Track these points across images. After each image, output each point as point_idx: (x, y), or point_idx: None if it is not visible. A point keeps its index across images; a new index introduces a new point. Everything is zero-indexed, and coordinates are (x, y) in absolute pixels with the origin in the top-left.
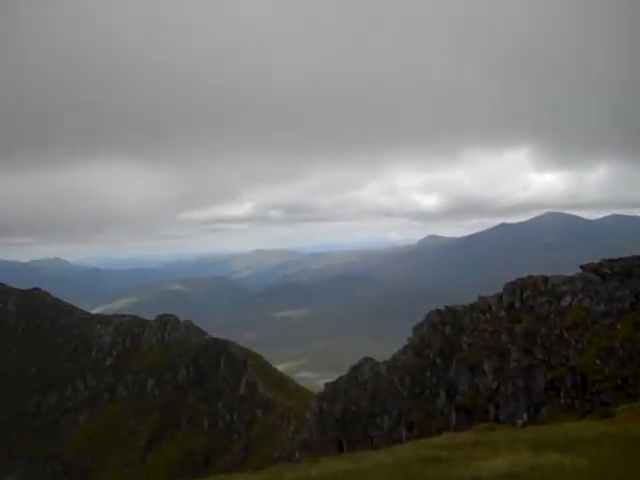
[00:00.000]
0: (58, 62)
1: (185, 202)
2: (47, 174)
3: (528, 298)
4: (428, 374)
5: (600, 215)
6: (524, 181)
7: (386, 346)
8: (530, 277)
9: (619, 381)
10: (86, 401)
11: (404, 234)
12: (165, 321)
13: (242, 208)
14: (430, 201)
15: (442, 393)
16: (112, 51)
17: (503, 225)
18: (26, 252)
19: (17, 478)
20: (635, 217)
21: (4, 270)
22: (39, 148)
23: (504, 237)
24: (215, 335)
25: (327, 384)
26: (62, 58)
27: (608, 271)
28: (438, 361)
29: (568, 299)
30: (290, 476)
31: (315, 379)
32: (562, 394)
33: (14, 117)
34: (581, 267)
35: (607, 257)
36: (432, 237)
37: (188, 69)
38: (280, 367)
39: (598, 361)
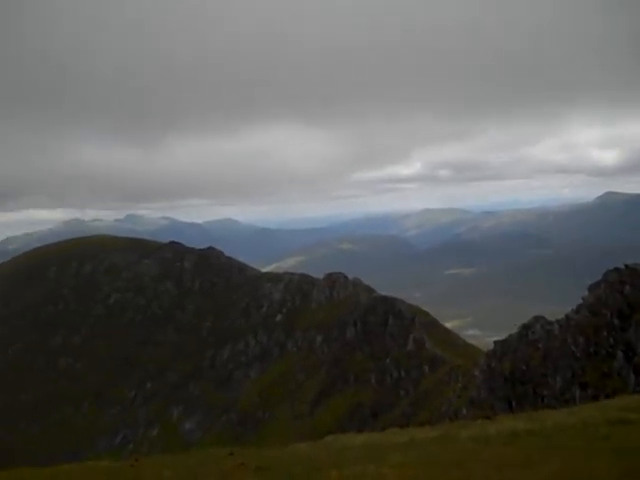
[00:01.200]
0: (249, 41)
1: (358, 163)
2: (226, 141)
3: None
4: (604, 334)
5: None
6: None
7: (557, 305)
8: None
9: None
10: (257, 356)
11: (579, 191)
12: (334, 279)
13: (412, 168)
14: (609, 156)
15: (619, 354)
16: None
17: None
18: (201, 213)
19: (195, 425)
20: None
21: (181, 231)
22: (218, 116)
23: None
24: (383, 293)
25: (496, 342)
26: (247, 38)
27: None
28: (616, 321)
29: None
30: (466, 434)
31: (483, 337)
32: None
33: (205, 88)
34: None
35: None
36: (611, 194)
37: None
38: (447, 325)
39: None
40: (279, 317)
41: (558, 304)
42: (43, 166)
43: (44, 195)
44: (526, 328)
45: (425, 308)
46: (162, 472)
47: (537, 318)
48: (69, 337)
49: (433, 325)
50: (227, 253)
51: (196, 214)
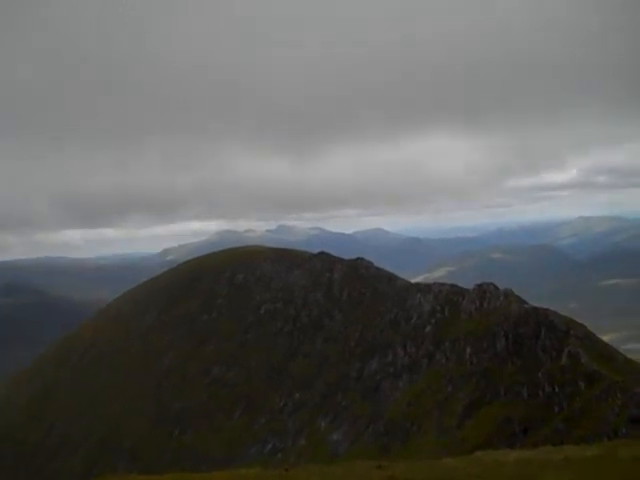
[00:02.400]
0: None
1: (511, 171)
2: (380, 150)
3: None
4: None
5: None
6: None
7: None
8: None
9: None
10: (405, 367)
11: None
12: (484, 289)
13: (567, 174)
14: None
15: None
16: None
17: None
18: (350, 224)
19: (342, 436)
20: None
21: (330, 241)
22: (374, 125)
23: None
24: (535, 304)
25: None
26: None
27: None
28: None
29: None
30: (626, 454)
31: None
32: None
33: (359, 96)
34: None
35: None
36: None
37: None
38: (604, 338)
39: None
40: (428, 328)
41: None
42: (200, 179)
43: (200, 207)
44: None
45: (580, 320)
46: None
47: None
48: (222, 345)
49: (589, 338)
50: (376, 263)
51: (346, 224)
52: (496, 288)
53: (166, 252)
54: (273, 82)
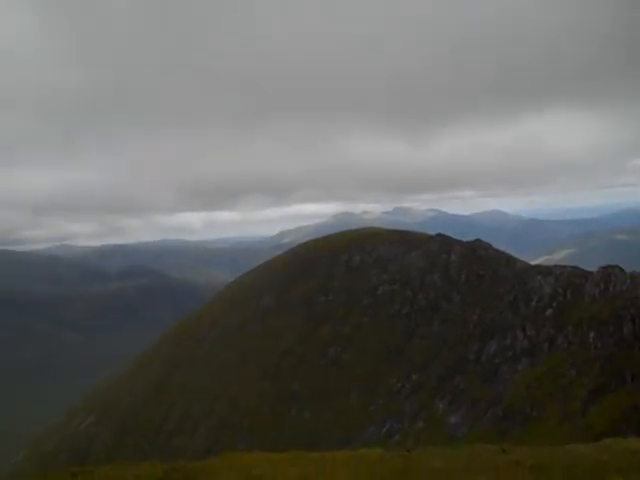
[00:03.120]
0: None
1: (633, 148)
2: (497, 130)
3: None
4: None
5: None
6: None
7: None
8: None
9: None
10: (525, 350)
11: None
12: (609, 272)
13: None
14: None
15: None
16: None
17: None
18: (467, 205)
19: (460, 419)
20: None
21: (447, 222)
22: (490, 105)
23: None
24: None
25: None
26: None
27: None
28: None
29: None
30: None
31: None
32: None
33: (476, 78)
34: None
35: None
36: None
37: None
38: None
39: None
40: (549, 311)
41: None
42: (315, 162)
43: (316, 190)
44: None
45: None
46: (433, 463)
47: None
48: (338, 328)
49: None
50: (494, 245)
51: (463, 206)
52: (622, 271)
53: (282, 235)
54: (390, 65)
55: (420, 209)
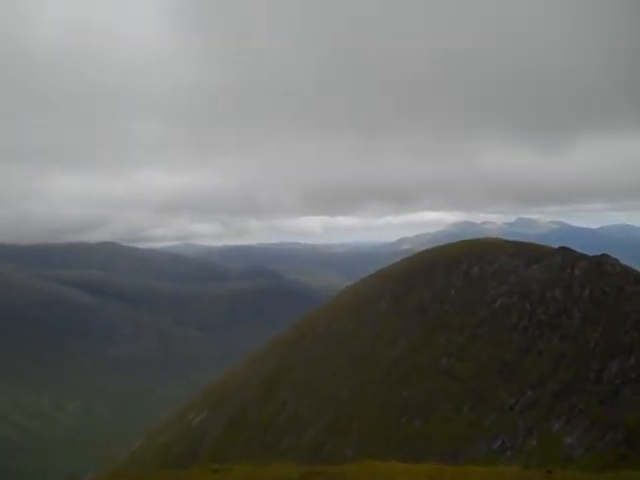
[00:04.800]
0: None
1: None
2: (620, 140)
3: None
4: None
5: None
6: None
7: None
8: None
9: None
10: None
11: None
12: None
13: None
14: None
15: None
16: None
17: None
18: (595, 218)
19: (576, 440)
20: None
21: (572, 235)
22: (609, 115)
23: None
24: None
25: None
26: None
27: None
28: None
29: None
30: None
31: None
32: None
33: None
34: None
35: None
36: None
37: None
38: None
39: None
40: None
41: None
42: (440, 169)
43: (438, 198)
44: None
45: None
46: None
47: None
48: (453, 337)
49: None
50: (623, 261)
51: (590, 219)
52: None
53: (402, 241)
54: (523, 71)
55: (544, 221)
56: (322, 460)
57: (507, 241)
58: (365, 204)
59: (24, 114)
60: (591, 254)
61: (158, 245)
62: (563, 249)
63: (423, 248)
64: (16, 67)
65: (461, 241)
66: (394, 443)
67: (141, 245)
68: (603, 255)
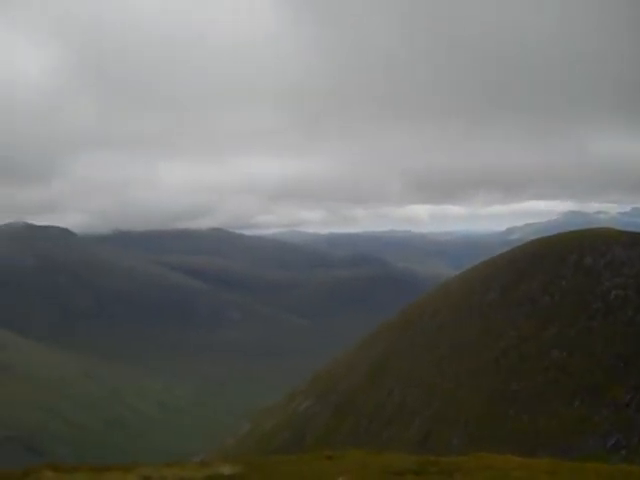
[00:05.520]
0: None
1: None
2: None
3: None
4: None
5: None
6: None
7: None
8: None
9: None
10: None
11: None
12: None
13: None
14: None
15: None
16: None
17: None
18: None
19: None
20: None
21: None
22: None
23: None
24: None
25: None
26: None
27: None
28: None
29: None
30: None
31: None
32: None
33: None
34: None
35: None
36: None
37: None
38: None
39: None
40: None
41: None
42: (549, 158)
43: (548, 187)
44: None
45: None
46: None
47: None
48: (564, 330)
49: None
50: None
51: None
52: None
53: (510, 231)
54: (622, 55)
55: None
56: (428, 450)
57: (621, 231)
58: (472, 192)
59: (136, 104)
60: None
61: (265, 232)
62: None
63: (532, 238)
64: (128, 61)
65: (572, 231)
66: (501, 435)
67: (248, 232)
68: None
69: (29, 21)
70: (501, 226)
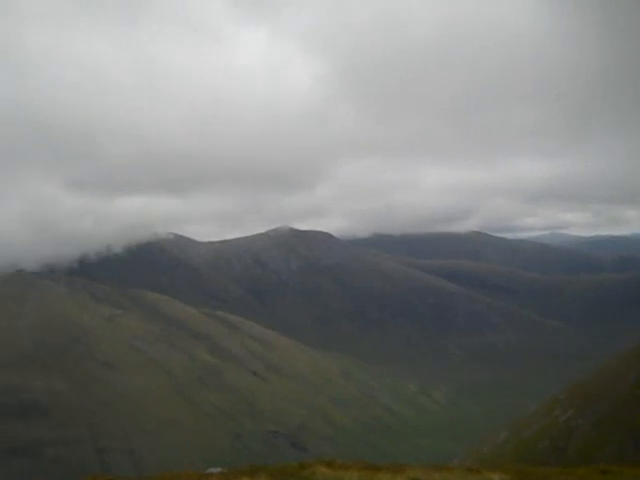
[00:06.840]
0: None
1: None
2: None
3: None
4: None
5: None
6: None
7: None
8: None
9: None
10: None
11: None
12: None
13: None
14: None
15: None
16: None
17: None
18: None
19: None
20: None
21: None
22: None
23: None
24: None
25: None
26: None
27: None
28: None
29: None
30: None
31: None
32: None
33: None
34: None
35: None
36: None
37: None
38: None
39: None
40: None
41: None
42: None
43: None
44: None
45: None
46: None
47: None
48: None
49: None
50: None
51: None
52: None
53: None
54: None
55: None
56: None
57: None
58: None
59: (394, 110)
60: None
61: (525, 235)
62: None
63: None
64: (393, 67)
65: None
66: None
67: (508, 235)
68: None
69: (300, 30)
70: None
